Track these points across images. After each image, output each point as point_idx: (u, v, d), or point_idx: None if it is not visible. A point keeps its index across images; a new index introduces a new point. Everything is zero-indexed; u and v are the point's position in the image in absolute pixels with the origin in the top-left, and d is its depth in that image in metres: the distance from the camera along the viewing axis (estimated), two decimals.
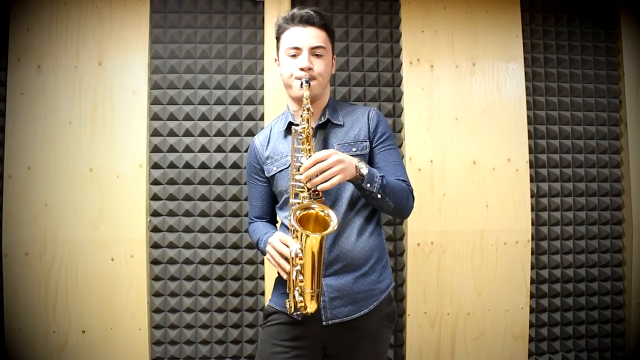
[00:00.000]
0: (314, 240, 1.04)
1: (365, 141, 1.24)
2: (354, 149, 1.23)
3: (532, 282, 1.97)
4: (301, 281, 1.06)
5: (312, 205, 1.09)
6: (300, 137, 1.12)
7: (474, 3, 1.98)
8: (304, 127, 1.11)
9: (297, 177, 1.10)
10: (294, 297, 1.09)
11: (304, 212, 1.08)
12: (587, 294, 2.01)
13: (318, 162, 1.05)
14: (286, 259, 1.10)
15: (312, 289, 1.06)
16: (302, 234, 1.05)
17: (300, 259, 1.06)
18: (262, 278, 1.88)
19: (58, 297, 1.81)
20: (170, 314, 1.87)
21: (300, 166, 1.09)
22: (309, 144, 1.11)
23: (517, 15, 1.99)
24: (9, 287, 1.79)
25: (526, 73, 1.99)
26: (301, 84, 1.16)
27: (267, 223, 1.37)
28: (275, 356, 1.18)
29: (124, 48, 1.86)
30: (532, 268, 1.97)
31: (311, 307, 1.07)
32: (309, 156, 1.09)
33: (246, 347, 1.88)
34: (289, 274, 1.10)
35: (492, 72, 1.98)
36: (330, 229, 1.05)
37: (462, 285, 1.92)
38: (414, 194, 1.27)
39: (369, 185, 1.11)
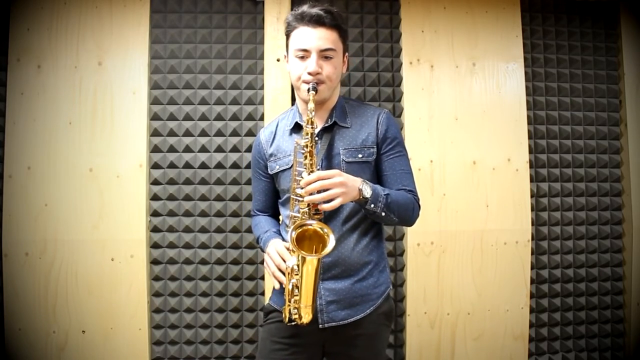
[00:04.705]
0: (309, 262, 1.06)
1: (373, 147, 1.21)
2: (359, 155, 1.20)
3: (532, 282, 1.97)
4: (296, 295, 1.08)
5: (311, 222, 1.09)
6: (303, 152, 1.10)
7: (474, 3, 1.98)
8: (306, 142, 1.10)
9: (298, 190, 1.09)
10: (289, 308, 1.10)
11: (302, 229, 1.08)
12: (587, 294, 2.01)
13: (321, 180, 1.05)
14: (283, 270, 1.12)
15: (307, 303, 1.08)
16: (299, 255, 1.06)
17: (297, 273, 1.07)
18: (262, 278, 1.88)
19: (58, 297, 1.81)
20: (170, 314, 1.87)
21: (301, 180, 1.08)
22: (311, 159, 1.09)
23: (517, 15, 1.99)
24: (9, 287, 1.79)
25: (526, 73, 1.99)
26: (308, 90, 1.13)
27: (269, 217, 1.38)
28: (274, 353, 1.19)
29: (124, 48, 1.86)
30: (532, 268, 1.97)
31: (306, 318, 1.09)
32: (311, 171, 1.08)
33: (246, 347, 1.88)
34: (285, 285, 1.11)
35: (492, 72, 1.98)
36: (326, 251, 1.05)
37: (462, 285, 1.92)
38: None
39: (372, 205, 1.11)
